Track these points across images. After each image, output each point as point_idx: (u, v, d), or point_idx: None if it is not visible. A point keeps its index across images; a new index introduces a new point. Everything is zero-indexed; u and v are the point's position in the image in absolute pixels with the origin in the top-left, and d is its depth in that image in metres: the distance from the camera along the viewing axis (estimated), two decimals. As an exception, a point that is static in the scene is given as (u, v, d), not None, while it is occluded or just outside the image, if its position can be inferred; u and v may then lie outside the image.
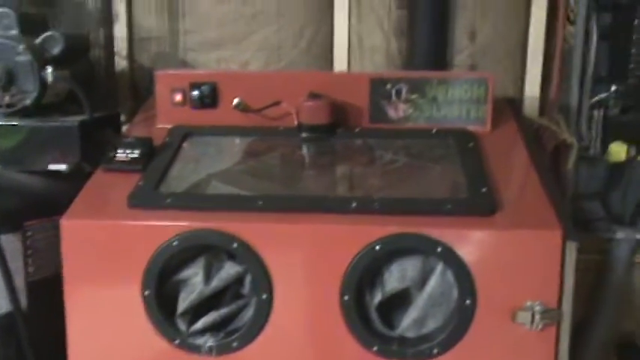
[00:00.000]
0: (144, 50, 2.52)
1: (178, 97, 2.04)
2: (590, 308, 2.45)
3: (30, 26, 1.99)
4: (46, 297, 1.92)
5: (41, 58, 1.93)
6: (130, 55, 2.51)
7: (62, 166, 1.93)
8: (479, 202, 1.65)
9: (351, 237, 1.61)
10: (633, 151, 2.33)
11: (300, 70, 2.44)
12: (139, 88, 2.54)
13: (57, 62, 1.95)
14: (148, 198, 1.70)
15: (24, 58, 1.90)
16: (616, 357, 2.59)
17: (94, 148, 1.98)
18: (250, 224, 1.63)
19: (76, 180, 1.98)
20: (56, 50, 1.97)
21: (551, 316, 1.59)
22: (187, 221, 1.63)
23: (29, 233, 1.89)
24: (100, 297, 1.68)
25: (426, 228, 1.59)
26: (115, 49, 2.47)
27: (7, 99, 1.93)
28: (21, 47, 1.90)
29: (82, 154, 1.94)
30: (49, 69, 1.89)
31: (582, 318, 2.41)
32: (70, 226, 1.65)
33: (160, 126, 2.04)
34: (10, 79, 1.90)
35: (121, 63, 2.50)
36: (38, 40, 1.97)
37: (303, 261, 1.63)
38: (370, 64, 2.49)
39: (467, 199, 1.68)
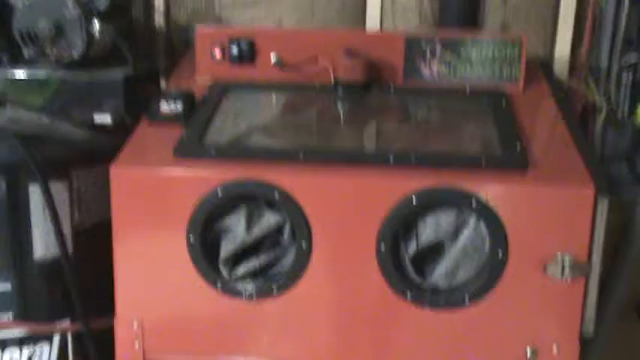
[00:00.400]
0: (180, 7, 2.57)
1: (217, 53, 2.09)
2: (612, 268, 2.51)
3: (75, -19, 2.04)
4: (91, 244, 2.01)
5: (88, 13, 1.98)
6: (167, 12, 2.55)
7: (107, 118, 2.00)
8: (513, 158, 1.70)
9: (388, 189, 1.67)
10: (661, 115, 2.36)
11: (336, 28, 2.48)
12: (174, 44, 2.59)
13: (102, 17, 2.00)
14: (193, 149, 1.77)
15: (72, 12, 1.94)
16: (636, 314, 2.65)
17: (135, 101, 2.05)
18: (291, 175, 1.69)
19: (117, 132, 2.05)
20: (102, 6, 2.01)
21: (580, 268, 1.65)
22: (231, 172, 1.69)
23: (75, 182, 1.96)
24: (147, 242, 1.75)
25: (462, 182, 1.64)
26: (155, 6, 2.52)
27: (55, 52, 1.99)
28: (70, 2, 1.94)
29: (126, 107, 2.00)
30: (96, 23, 1.94)
31: (605, 277, 2.46)
32: (119, 173, 1.72)
33: (200, 80, 2.09)
34: (59, 33, 1.95)
35: (158, 19, 2.55)
36: (85, -5, 2.02)
37: (342, 211, 1.69)
38: (402, 24, 2.52)
39: (501, 155, 1.73)
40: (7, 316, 1.98)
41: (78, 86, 2.00)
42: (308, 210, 1.68)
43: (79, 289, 1.96)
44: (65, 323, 2.03)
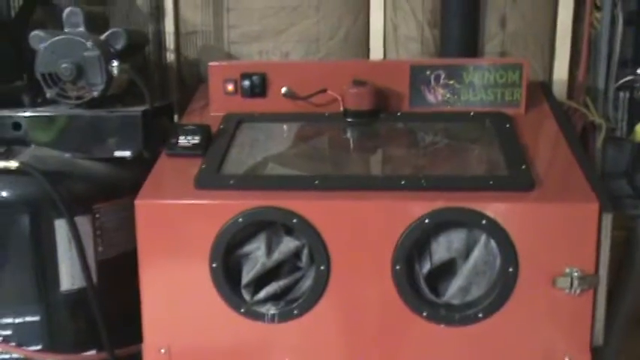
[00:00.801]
0: (190, 44, 2.67)
1: (230, 87, 2.17)
2: (616, 283, 2.57)
3: (93, 23, 2.14)
4: (114, 274, 2.08)
5: (107, 53, 2.07)
6: (177, 49, 2.65)
7: (127, 153, 2.08)
8: (520, 178, 1.78)
9: (401, 212, 1.74)
10: (659, 132, 2.45)
11: (342, 59, 2.57)
12: (185, 79, 2.68)
13: (120, 56, 2.09)
14: (213, 179, 1.85)
15: (92, 53, 2.04)
16: (641, 331, 2.71)
17: (152, 135, 2.13)
18: (309, 202, 1.77)
19: (135, 166, 2.14)
20: (120, 45, 2.11)
21: (588, 281, 1.72)
22: (251, 200, 1.78)
23: (98, 215, 2.04)
24: (172, 270, 1.83)
25: (472, 202, 1.72)
26: (166, 43, 2.62)
27: (75, 92, 2.08)
28: (89, 43, 2.04)
29: (144, 142, 2.08)
30: (115, 63, 2.03)
31: (610, 291, 2.52)
32: (143, 206, 1.80)
33: (214, 114, 2.17)
34: (79, 73, 2.04)
35: (169, 56, 2.65)
36: (103, 36, 2.11)
37: (358, 234, 1.77)
38: (405, 53, 2.62)
39: (508, 176, 1.81)
40: (36, 348, 2.03)
41: (99, 123, 2.08)
42: (325, 234, 1.76)
43: (104, 318, 2.02)
44: (91, 353, 2.09)
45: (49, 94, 2.09)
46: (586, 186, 1.76)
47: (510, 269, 1.73)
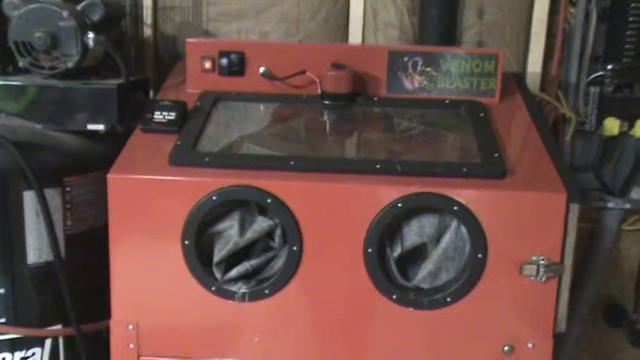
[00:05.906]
0: (167, 19, 2.63)
1: (208, 64, 2.15)
2: (581, 272, 2.64)
3: (69, -7, 2.11)
4: (83, 249, 2.07)
5: (83, 24, 2.03)
6: (154, 24, 2.62)
7: (100, 127, 2.05)
8: (492, 166, 1.81)
9: (375, 195, 1.76)
10: (626, 127, 2.50)
11: (321, 42, 2.57)
12: (161, 55, 2.65)
13: (96, 28, 2.06)
14: (188, 156, 1.83)
15: (67, 23, 1.99)
16: (602, 317, 2.79)
17: (126, 110, 2.10)
18: (283, 182, 1.77)
19: (108, 140, 2.11)
20: (96, 17, 2.07)
21: (554, 269, 1.76)
22: (225, 178, 1.77)
23: (68, 189, 2.01)
24: (143, 247, 1.81)
25: (444, 188, 1.75)
26: (143, 17, 2.58)
27: (49, 62, 2.04)
28: (65, 13, 2.00)
29: (118, 116, 2.06)
30: (91, 34, 2.00)
31: (573, 281, 2.59)
32: (116, 180, 1.78)
33: (190, 91, 2.15)
34: (54, 43, 2.00)
35: (146, 31, 2.61)
36: (79, 7, 2.07)
37: (331, 216, 1.77)
38: (383, 38, 2.63)
39: (481, 163, 1.83)
40: (0, 321, 2.01)
41: (73, 95, 2.05)
42: (299, 215, 1.77)
43: (72, 293, 2.01)
44: (57, 327, 2.07)
45: (21, 63, 2.05)
46: (555, 176, 1.79)
47: (479, 255, 1.76)
